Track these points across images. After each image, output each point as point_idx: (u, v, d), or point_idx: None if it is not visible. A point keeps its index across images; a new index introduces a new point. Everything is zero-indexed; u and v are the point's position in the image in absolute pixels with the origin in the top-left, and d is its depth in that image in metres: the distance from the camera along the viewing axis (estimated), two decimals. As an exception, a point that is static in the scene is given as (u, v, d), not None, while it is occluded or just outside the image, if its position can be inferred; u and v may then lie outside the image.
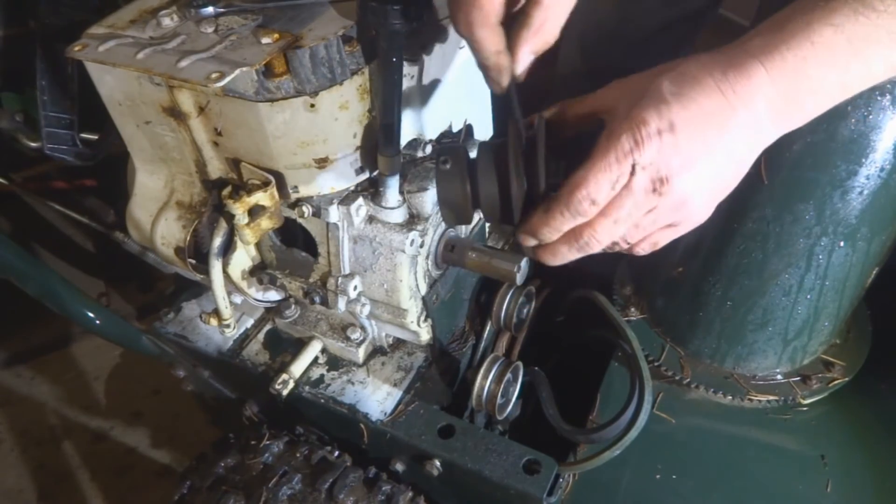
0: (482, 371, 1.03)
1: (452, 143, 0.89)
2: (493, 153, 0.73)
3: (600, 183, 0.61)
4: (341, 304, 0.97)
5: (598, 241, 0.66)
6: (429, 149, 0.97)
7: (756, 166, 0.90)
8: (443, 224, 0.99)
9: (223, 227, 0.92)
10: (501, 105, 1.11)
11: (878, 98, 0.80)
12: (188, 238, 0.95)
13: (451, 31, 0.91)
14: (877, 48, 0.57)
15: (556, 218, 0.65)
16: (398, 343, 1.14)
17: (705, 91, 0.59)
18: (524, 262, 0.97)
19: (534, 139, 0.69)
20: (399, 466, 1.05)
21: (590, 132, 0.64)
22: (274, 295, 1.09)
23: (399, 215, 0.92)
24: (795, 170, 0.89)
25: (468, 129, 1.04)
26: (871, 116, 0.82)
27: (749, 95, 0.59)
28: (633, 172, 0.60)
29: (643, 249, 0.69)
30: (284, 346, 1.14)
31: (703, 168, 0.61)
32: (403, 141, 0.86)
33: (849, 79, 0.59)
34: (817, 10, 0.57)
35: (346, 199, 0.90)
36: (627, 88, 0.64)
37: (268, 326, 1.17)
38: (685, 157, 0.60)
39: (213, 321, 1.01)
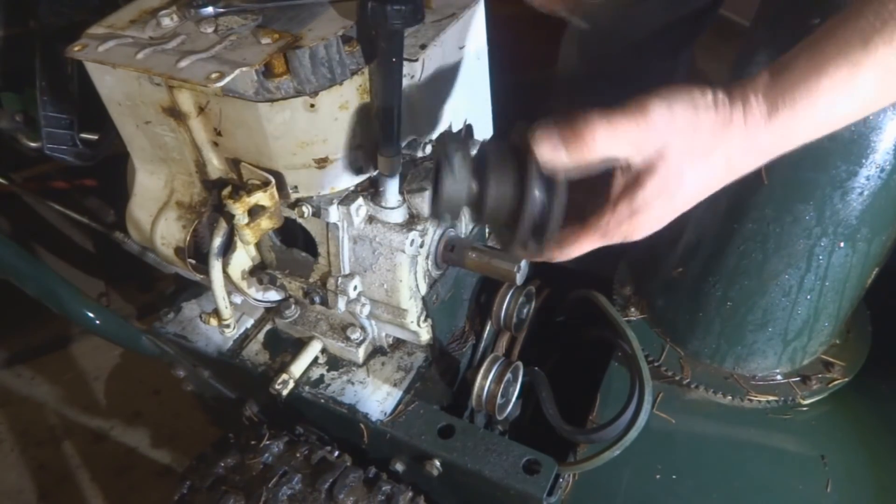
0: (482, 371, 1.03)
1: (456, 135, 0.87)
2: (511, 156, 0.70)
3: (611, 235, 0.68)
4: (341, 304, 0.97)
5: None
6: (429, 149, 0.97)
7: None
8: (443, 224, 0.99)
9: (223, 227, 0.92)
10: (501, 105, 1.11)
11: (878, 98, 0.80)
12: (188, 238, 0.95)
13: (452, 31, 0.91)
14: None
15: (587, 242, 0.70)
16: (398, 343, 1.14)
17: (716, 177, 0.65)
18: (524, 263, 0.97)
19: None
20: (399, 466, 1.05)
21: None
22: (274, 295, 1.09)
23: (399, 215, 0.92)
24: (795, 170, 0.89)
25: (468, 129, 1.04)
26: (870, 117, 0.82)
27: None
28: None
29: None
30: (284, 346, 1.14)
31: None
32: (403, 141, 0.86)
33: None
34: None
35: (346, 199, 0.90)
36: (674, 136, 0.64)
37: (268, 326, 1.17)
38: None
39: (213, 321, 1.01)
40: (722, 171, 0.64)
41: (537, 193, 0.67)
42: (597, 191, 0.67)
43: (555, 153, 0.64)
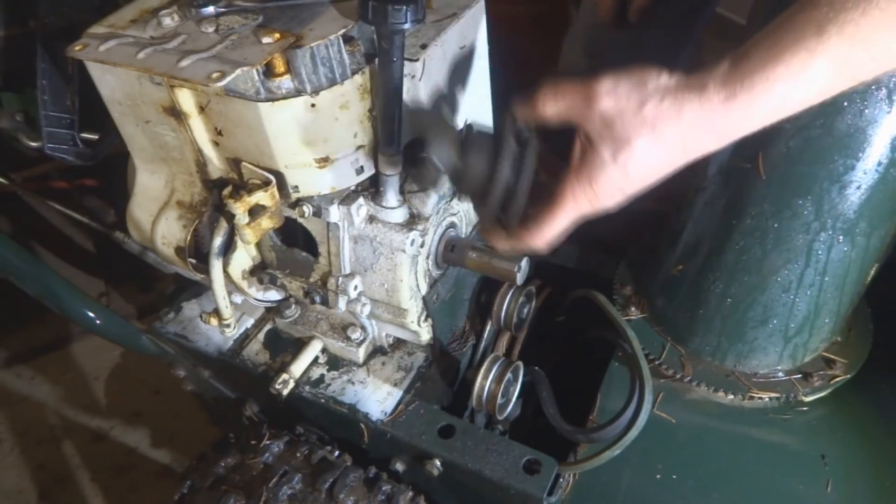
0: (482, 371, 1.03)
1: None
2: (489, 136, 0.80)
3: (579, 206, 0.72)
4: (342, 303, 0.97)
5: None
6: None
7: (754, 162, 0.90)
8: (443, 224, 0.99)
9: (223, 226, 0.92)
10: (501, 105, 1.11)
11: (875, 92, 0.80)
12: (188, 238, 0.95)
13: (452, 31, 0.91)
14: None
15: (559, 214, 0.73)
16: (398, 343, 1.14)
17: (669, 150, 0.68)
18: (524, 262, 0.97)
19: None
20: (399, 466, 1.05)
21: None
22: (274, 295, 1.09)
23: (399, 215, 0.92)
24: (793, 165, 0.89)
25: (468, 129, 1.04)
26: (867, 111, 0.82)
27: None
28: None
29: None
30: (284, 346, 1.14)
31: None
32: (404, 141, 0.86)
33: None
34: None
35: (347, 198, 0.90)
36: (619, 103, 0.68)
37: (268, 326, 1.17)
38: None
39: (214, 321, 1.01)
40: (676, 150, 0.67)
41: (507, 158, 0.76)
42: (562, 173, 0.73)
43: (519, 112, 0.74)
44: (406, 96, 0.81)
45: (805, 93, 0.61)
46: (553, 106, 0.71)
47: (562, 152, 0.74)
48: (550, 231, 0.75)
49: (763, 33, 0.62)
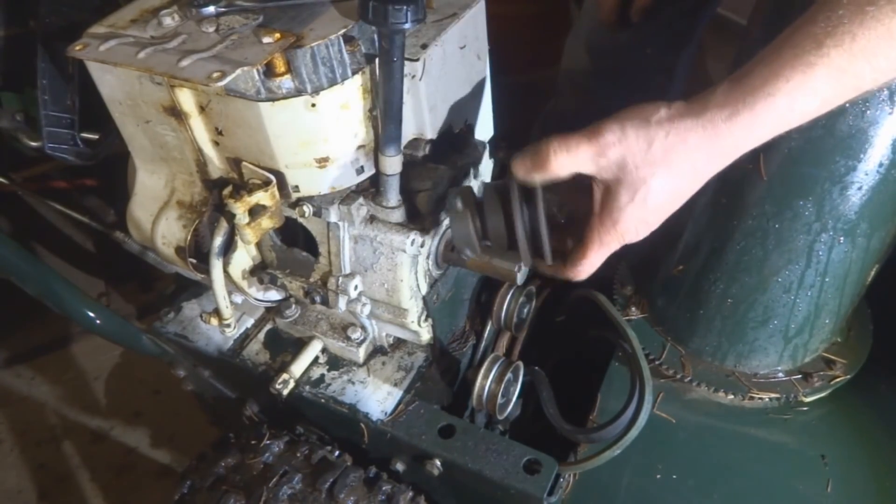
0: (482, 371, 1.03)
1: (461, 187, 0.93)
2: (497, 194, 0.82)
3: (609, 244, 0.77)
4: (342, 303, 0.97)
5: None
6: (429, 149, 0.97)
7: (755, 163, 0.90)
8: (443, 224, 0.99)
9: (224, 226, 0.92)
10: (501, 105, 1.11)
11: (876, 94, 0.80)
12: (189, 237, 0.95)
13: (453, 31, 0.91)
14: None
15: (592, 254, 0.78)
16: (398, 343, 1.14)
17: (684, 179, 0.70)
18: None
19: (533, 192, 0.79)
20: (399, 466, 1.05)
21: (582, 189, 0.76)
22: (274, 295, 1.09)
23: (400, 215, 0.92)
24: (794, 166, 0.89)
25: (468, 129, 1.04)
26: (869, 112, 0.82)
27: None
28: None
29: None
30: (285, 346, 1.14)
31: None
32: (404, 141, 0.86)
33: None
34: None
35: (347, 198, 0.90)
36: (628, 148, 0.70)
37: (268, 326, 1.17)
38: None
39: (214, 321, 1.01)
40: (689, 176, 0.70)
41: (520, 216, 0.78)
42: (586, 209, 0.77)
43: (527, 174, 0.75)
44: (406, 96, 0.81)
45: (807, 105, 0.62)
46: (566, 165, 0.73)
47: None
48: (586, 269, 0.80)
49: (762, 53, 0.64)
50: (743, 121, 0.64)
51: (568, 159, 0.72)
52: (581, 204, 0.78)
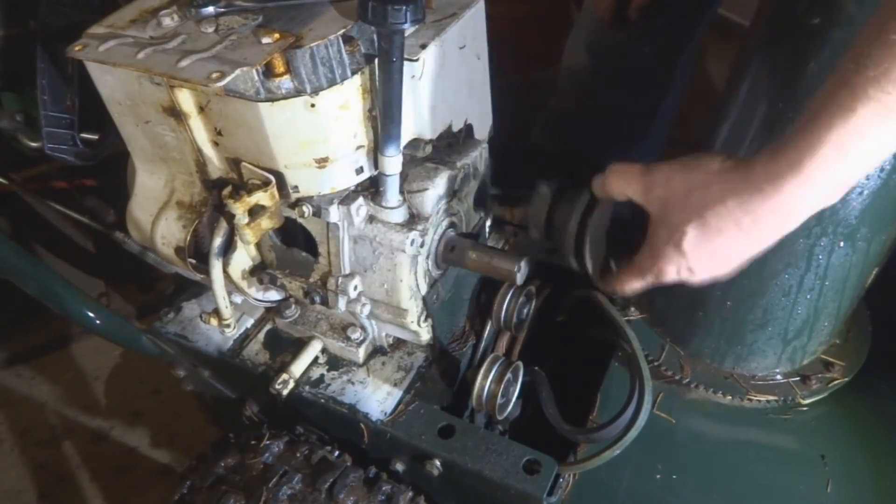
0: (482, 371, 1.03)
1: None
2: (573, 194, 0.93)
3: (645, 276, 0.81)
4: (341, 303, 0.97)
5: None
6: (429, 149, 0.97)
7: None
8: (443, 224, 0.99)
9: (223, 226, 0.92)
10: (501, 105, 1.11)
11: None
12: (188, 238, 0.95)
13: (452, 31, 0.91)
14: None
15: (632, 279, 0.83)
16: (398, 343, 1.14)
17: (726, 236, 0.70)
18: (524, 262, 0.97)
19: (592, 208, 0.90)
20: (399, 466, 1.05)
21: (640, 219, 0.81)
22: (274, 295, 1.09)
23: (399, 215, 0.92)
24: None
25: (468, 129, 1.04)
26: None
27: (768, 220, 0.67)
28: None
29: None
30: (284, 346, 1.14)
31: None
32: (404, 141, 0.86)
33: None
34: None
35: (347, 198, 0.90)
36: (671, 190, 0.73)
37: (268, 326, 1.17)
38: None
39: (214, 321, 1.01)
40: (734, 235, 0.69)
41: (576, 219, 0.90)
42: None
43: (594, 187, 0.84)
44: (406, 96, 0.81)
45: (861, 152, 0.60)
46: (619, 186, 0.79)
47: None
48: (617, 288, 0.86)
49: (801, 116, 0.62)
50: (793, 181, 0.62)
51: (622, 185, 0.78)
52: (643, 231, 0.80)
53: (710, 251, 0.72)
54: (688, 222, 0.70)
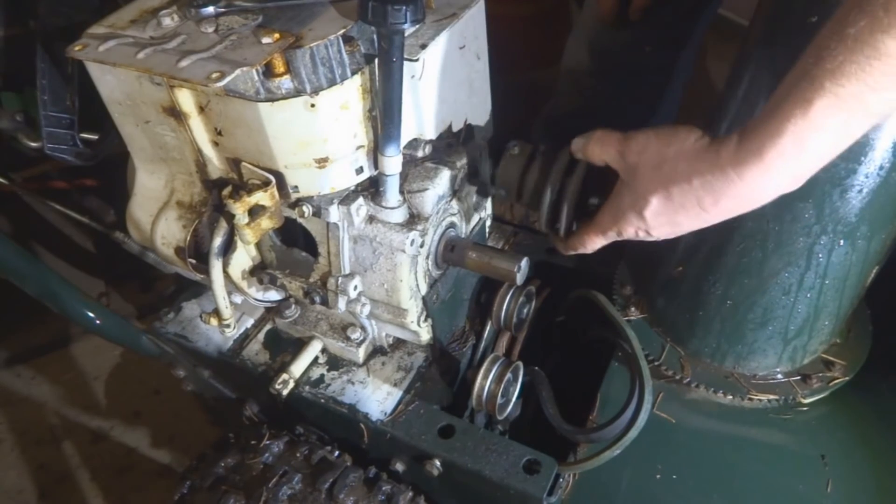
0: (482, 371, 1.03)
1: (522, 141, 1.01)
2: (548, 156, 0.94)
3: (606, 233, 0.85)
4: (341, 303, 0.97)
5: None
6: (429, 149, 0.97)
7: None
8: (443, 224, 0.99)
9: (223, 226, 0.92)
10: (501, 105, 1.11)
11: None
12: (188, 238, 0.95)
13: (452, 31, 0.91)
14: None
15: (592, 236, 0.87)
16: (398, 343, 1.14)
17: (686, 210, 0.74)
18: (524, 262, 0.97)
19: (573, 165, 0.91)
20: (399, 466, 1.05)
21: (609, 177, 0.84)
22: (274, 295, 1.09)
23: (399, 215, 0.92)
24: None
25: (468, 129, 1.04)
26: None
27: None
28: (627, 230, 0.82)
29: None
30: (284, 346, 1.14)
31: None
32: (404, 141, 0.86)
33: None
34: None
35: (347, 198, 0.90)
36: (643, 160, 0.76)
37: (268, 326, 1.17)
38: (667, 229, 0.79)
39: (213, 321, 1.01)
40: (691, 211, 0.73)
41: (553, 181, 0.91)
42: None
43: (574, 149, 0.88)
44: (406, 96, 0.81)
45: (820, 143, 0.61)
46: (598, 152, 0.83)
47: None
48: (586, 248, 0.89)
49: (768, 102, 0.63)
50: (754, 170, 0.64)
51: (601, 149, 0.82)
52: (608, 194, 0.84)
53: (668, 220, 0.76)
54: (653, 192, 0.74)
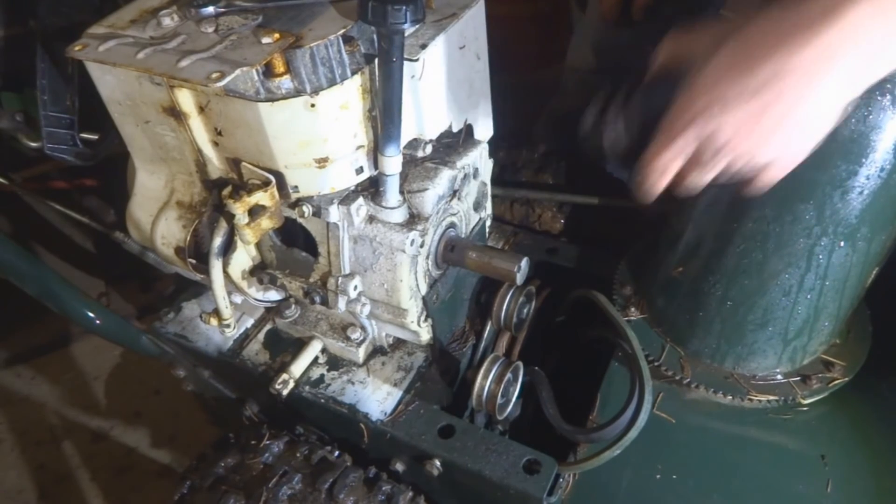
0: (482, 371, 1.03)
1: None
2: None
3: (677, 140, 0.74)
4: (341, 303, 0.97)
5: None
6: (429, 149, 0.97)
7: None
8: (443, 224, 0.99)
9: (223, 226, 0.92)
10: (501, 105, 1.11)
11: (879, 98, 0.80)
12: (188, 238, 0.95)
13: (452, 31, 0.91)
14: None
15: (662, 147, 0.75)
16: (398, 343, 1.14)
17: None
18: (524, 262, 0.97)
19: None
20: (399, 466, 1.05)
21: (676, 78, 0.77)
22: (274, 295, 1.09)
23: (399, 215, 0.92)
24: (795, 169, 0.89)
25: (468, 129, 1.04)
26: (870, 116, 0.81)
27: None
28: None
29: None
30: (284, 346, 1.14)
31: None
32: (404, 141, 0.86)
33: None
34: None
35: (347, 198, 0.90)
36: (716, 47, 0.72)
37: (268, 326, 1.17)
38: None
39: (214, 321, 1.01)
40: (761, 86, 0.66)
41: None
42: None
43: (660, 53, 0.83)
44: (406, 96, 0.81)
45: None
46: (671, 45, 0.80)
47: None
48: (655, 170, 0.76)
49: None
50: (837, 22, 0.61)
51: (671, 43, 0.80)
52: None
53: (741, 89, 0.68)
54: (714, 74, 0.70)
